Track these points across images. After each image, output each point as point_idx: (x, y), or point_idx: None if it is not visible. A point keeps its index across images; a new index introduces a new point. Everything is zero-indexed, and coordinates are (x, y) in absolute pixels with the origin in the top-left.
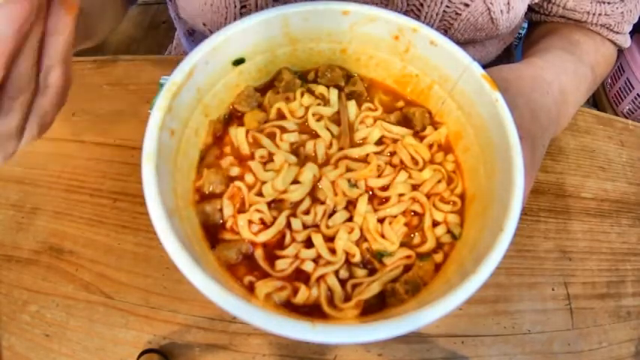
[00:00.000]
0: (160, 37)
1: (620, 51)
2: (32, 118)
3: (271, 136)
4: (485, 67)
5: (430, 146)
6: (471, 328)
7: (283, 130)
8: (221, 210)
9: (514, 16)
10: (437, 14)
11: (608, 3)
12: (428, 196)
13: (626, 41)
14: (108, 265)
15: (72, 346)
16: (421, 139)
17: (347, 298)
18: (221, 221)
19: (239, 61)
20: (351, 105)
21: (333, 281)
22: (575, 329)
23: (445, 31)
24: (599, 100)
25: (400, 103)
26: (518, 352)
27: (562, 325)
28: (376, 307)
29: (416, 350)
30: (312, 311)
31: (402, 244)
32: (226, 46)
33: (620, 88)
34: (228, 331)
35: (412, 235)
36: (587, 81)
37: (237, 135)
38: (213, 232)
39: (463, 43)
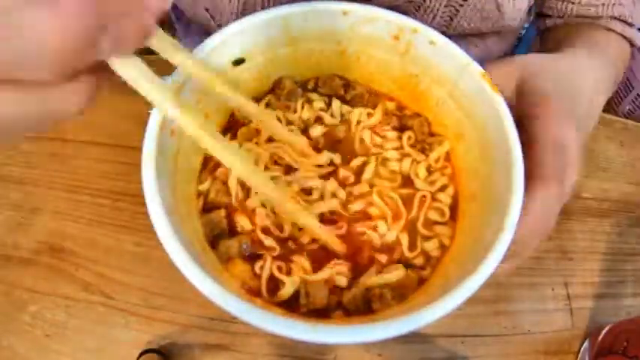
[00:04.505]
0: None
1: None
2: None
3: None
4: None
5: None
6: (471, 328)
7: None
8: (228, 217)
9: (520, 5)
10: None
11: None
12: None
13: (638, 38)
14: (108, 265)
15: (72, 346)
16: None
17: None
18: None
19: (239, 61)
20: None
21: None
22: (575, 329)
23: (451, 19)
24: None
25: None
26: (518, 352)
27: (562, 325)
28: (362, 312)
29: (416, 350)
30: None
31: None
32: (226, 46)
33: (620, 88)
34: (228, 331)
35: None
36: (611, 80)
37: None
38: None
39: (468, 35)
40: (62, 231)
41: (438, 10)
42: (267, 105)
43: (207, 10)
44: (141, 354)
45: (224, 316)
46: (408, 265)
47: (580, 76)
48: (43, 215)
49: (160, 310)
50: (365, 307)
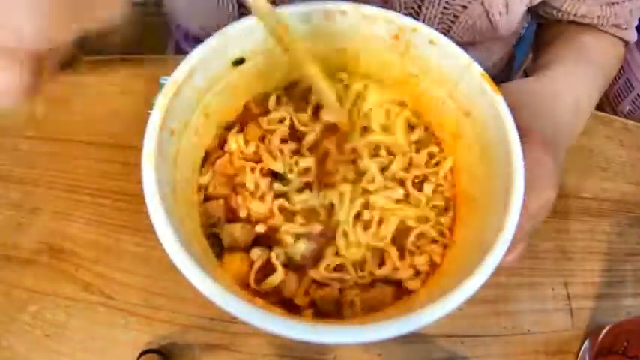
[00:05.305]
0: (160, 37)
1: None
2: None
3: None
4: (487, 68)
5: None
6: (471, 328)
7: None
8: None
9: (513, 18)
10: (435, 16)
11: (617, 3)
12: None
13: (633, 36)
14: (108, 265)
15: (72, 346)
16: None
17: None
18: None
19: (239, 61)
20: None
21: None
22: (575, 329)
23: (444, 34)
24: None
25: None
26: (518, 352)
27: (562, 325)
28: (332, 313)
29: (416, 350)
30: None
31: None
32: (226, 46)
33: (620, 88)
34: (228, 331)
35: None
36: (598, 86)
37: (238, 140)
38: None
39: (465, 44)
40: (62, 231)
41: (430, 27)
42: (278, 101)
43: (202, 28)
44: (141, 354)
45: (224, 316)
46: (396, 281)
47: (561, 104)
48: (43, 215)
49: (159, 310)
50: (335, 310)
